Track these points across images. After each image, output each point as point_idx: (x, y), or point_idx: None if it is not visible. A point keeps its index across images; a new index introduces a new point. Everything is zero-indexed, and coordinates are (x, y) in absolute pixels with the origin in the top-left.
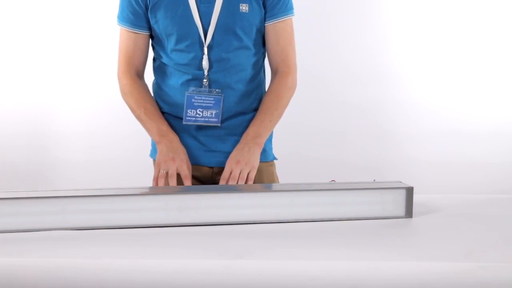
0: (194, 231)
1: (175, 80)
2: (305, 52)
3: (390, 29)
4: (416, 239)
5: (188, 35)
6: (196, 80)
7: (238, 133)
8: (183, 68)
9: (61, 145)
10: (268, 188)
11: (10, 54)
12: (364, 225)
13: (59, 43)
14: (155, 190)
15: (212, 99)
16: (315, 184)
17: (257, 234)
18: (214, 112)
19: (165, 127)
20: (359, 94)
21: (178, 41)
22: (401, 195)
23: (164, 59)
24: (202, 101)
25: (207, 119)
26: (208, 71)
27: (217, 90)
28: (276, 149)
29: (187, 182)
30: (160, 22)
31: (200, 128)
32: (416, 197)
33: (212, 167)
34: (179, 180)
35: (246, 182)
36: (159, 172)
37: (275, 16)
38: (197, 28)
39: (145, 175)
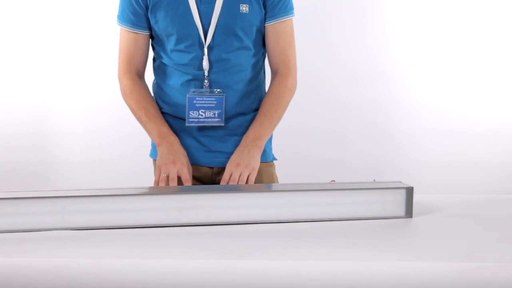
0: (194, 231)
1: (175, 80)
2: (305, 52)
3: (390, 29)
4: (416, 239)
5: (188, 36)
6: (196, 80)
7: (238, 134)
8: (183, 68)
9: (61, 145)
10: (268, 188)
11: (10, 54)
12: (364, 225)
13: (59, 43)
14: (155, 190)
15: (214, 99)
16: (315, 184)
17: (257, 234)
18: (216, 112)
19: (165, 129)
20: (359, 94)
21: (178, 42)
22: (401, 195)
23: (164, 59)
24: (204, 102)
25: (210, 120)
26: (208, 71)
27: (218, 90)
28: (276, 149)
29: (188, 185)
30: (160, 22)
31: (200, 128)
32: (416, 197)
33: (212, 168)
34: (180, 183)
35: None
36: (159, 175)
37: (275, 16)
38: (197, 28)
39: (145, 175)
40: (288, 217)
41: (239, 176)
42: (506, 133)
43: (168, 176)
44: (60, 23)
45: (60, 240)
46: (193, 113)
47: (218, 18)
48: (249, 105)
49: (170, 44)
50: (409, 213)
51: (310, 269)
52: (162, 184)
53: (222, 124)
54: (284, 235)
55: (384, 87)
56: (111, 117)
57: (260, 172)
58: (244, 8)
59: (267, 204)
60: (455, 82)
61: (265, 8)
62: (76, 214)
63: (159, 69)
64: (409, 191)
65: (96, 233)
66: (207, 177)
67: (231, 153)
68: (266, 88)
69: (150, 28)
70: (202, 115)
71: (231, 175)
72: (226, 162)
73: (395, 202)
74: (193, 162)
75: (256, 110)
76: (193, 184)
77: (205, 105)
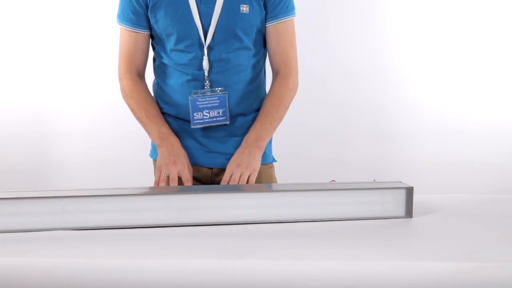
0: (194, 231)
1: (175, 80)
2: (305, 52)
3: (390, 29)
4: (416, 239)
5: (188, 36)
6: (196, 80)
7: (238, 135)
8: (183, 68)
9: (61, 145)
10: (268, 188)
11: (10, 54)
12: (364, 225)
13: (59, 43)
14: (155, 190)
15: (216, 98)
16: (315, 184)
17: (257, 234)
18: (221, 110)
19: (166, 130)
20: (359, 94)
21: (178, 41)
22: (401, 195)
23: (164, 59)
24: (206, 102)
25: (215, 119)
26: (208, 71)
27: (220, 88)
28: (276, 149)
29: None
30: (160, 22)
31: (200, 129)
32: (416, 197)
33: (211, 168)
34: (180, 184)
35: None
36: (160, 175)
37: (276, 16)
38: (197, 28)
39: (145, 175)
40: (288, 217)
41: (240, 177)
42: (506, 133)
43: (168, 177)
44: (60, 23)
45: (60, 240)
46: (198, 114)
47: (218, 19)
48: (249, 106)
49: (170, 44)
50: (409, 213)
51: (310, 269)
52: (162, 184)
53: (228, 122)
54: (284, 235)
55: (384, 87)
56: (111, 117)
57: (259, 174)
58: (245, 8)
59: (267, 204)
60: (455, 82)
61: (266, 8)
62: (76, 214)
63: (159, 69)
64: (409, 191)
65: (96, 233)
66: (206, 177)
67: (231, 154)
68: (267, 89)
69: (150, 28)
70: (206, 116)
71: (231, 176)
72: (226, 163)
73: (395, 202)
74: (193, 163)
75: (257, 110)
76: (192, 184)
77: (209, 105)
